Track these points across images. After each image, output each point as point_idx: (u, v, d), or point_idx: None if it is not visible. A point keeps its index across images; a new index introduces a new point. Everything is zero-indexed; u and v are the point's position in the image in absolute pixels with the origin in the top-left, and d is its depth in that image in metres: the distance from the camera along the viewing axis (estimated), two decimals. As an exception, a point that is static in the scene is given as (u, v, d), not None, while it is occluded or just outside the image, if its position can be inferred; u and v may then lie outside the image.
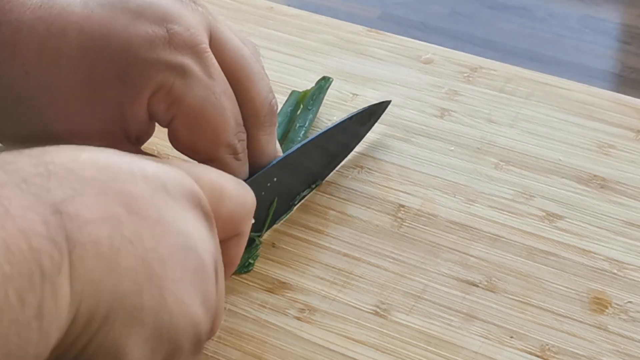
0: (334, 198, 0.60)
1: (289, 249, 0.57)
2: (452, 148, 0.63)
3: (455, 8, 2.19)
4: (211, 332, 0.42)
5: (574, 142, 0.64)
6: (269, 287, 0.54)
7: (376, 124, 0.65)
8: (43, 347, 0.35)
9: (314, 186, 0.60)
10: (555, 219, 0.58)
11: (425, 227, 0.58)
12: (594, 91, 0.68)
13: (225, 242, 0.44)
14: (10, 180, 0.36)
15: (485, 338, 0.52)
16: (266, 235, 0.57)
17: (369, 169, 0.62)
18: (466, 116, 0.66)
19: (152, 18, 0.50)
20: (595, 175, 0.61)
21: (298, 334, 0.52)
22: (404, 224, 0.58)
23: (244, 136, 0.54)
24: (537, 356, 0.51)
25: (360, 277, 0.55)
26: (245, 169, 0.54)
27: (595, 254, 0.56)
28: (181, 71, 0.50)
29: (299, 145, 0.57)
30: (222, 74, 0.52)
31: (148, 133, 0.53)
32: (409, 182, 0.61)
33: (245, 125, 0.53)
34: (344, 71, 0.69)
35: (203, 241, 0.41)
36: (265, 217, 0.57)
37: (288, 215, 0.58)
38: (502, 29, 2.12)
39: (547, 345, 0.51)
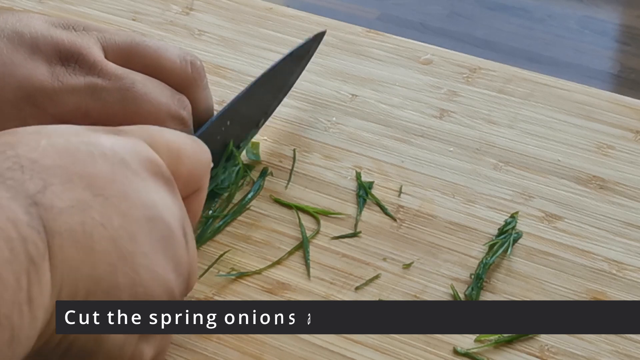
0: (332, 199, 0.60)
1: (288, 249, 0.56)
2: (451, 149, 0.63)
3: (454, 9, 2.19)
4: (186, 290, 0.44)
5: (573, 143, 0.64)
6: (268, 288, 0.54)
7: (374, 124, 0.65)
8: (33, 331, 0.37)
9: (260, 124, 0.62)
10: (554, 220, 0.58)
11: (424, 228, 0.58)
12: (593, 92, 0.68)
13: (186, 198, 0.46)
14: None
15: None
16: (265, 235, 0.57)
17: (368, 169, 0.62)
18: (465, 117, 0.66)
19: (47, 49, 0.52)
20: (594, 176, 0.61)
21: (297, 335, 0.52)
22: (403, 224, 0.58)
23: (186, 101, 0.55)
24: (536, 357, 0.51)
25: (359, 277, 0.55)
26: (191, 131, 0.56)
27: (594, 254, 0.56)
28: (88, 90, 0.52)
29: (244, 90, 0.59)
30: (128, 70, 0.54)
31: None
32: (408, 182, 0.61)
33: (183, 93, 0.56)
34: (343, 72, 0.69)
35: (168, 208, 0.42)
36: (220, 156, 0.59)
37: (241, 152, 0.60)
38: (501, 29, 2.12)
39: (547, 345, 0.51)
